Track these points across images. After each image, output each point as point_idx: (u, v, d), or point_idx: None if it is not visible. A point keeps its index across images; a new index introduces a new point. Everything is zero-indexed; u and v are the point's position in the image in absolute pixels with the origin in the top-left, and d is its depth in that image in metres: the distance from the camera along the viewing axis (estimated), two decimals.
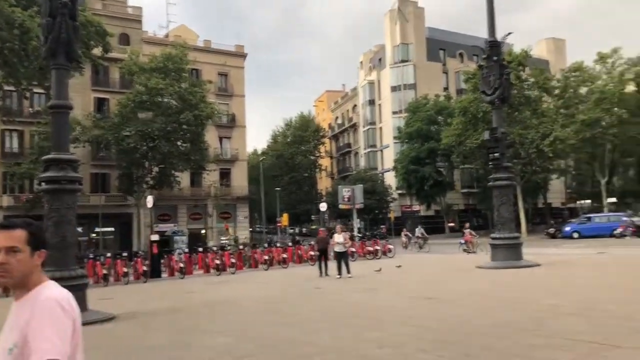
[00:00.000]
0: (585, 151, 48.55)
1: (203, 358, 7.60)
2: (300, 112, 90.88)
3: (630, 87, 49.03)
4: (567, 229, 41.88)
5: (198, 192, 53.00)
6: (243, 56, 59.32)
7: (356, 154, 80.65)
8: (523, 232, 44.39)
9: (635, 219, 39.07)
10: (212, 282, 20.69)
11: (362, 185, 39.01)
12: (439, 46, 70.54)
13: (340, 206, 38.39)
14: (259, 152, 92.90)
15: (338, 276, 18.08)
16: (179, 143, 43.91)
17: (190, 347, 8.41)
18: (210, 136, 50.33)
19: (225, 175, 56.25)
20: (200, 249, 28.10)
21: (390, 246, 29.75)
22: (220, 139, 56.06)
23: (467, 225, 31.52)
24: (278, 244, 30.10)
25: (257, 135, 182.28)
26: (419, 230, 36.77)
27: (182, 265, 24.02)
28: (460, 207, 64.87)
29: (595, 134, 45.33)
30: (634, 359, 6.02)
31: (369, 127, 75.04)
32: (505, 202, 18.54)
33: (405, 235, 39.87)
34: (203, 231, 53.60)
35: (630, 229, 36.10)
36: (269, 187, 67.81)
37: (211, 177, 51.79)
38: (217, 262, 24.47)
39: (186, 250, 29.36)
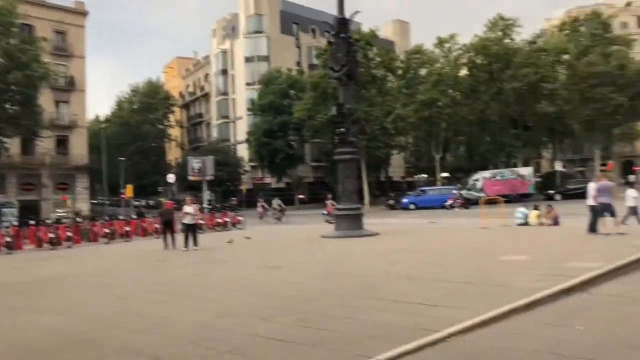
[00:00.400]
0: (423, 129, 52.29)
1: (27, 340, 6.99)
2: (148, 78, 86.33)
3: (464, 71, 53.48)
4: (405, 200, 45.01)
5: (30, 161, 48.38)
6: (84, 14, 54.70)
7: (208, 124, 78.98)
8: (366, 203, 46.94)
9: (463, 192, 43.06)
10: (45, 257, 19.15)
11: (213, 156, 38.38)
12: (293, 20, 71.04)
13: (190, 177, 37.52)
14: (102, 119, 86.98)
15: (184, 249, 17.71)
16: (7, 106, 39.54)
17: (12, 328, 7.71)
18: (45, 99, 45.95)
19: (62, 142, 51.91)
20: (32, 222, 25.77)
21: (240, 218, 29.82)
22: (57, 103, 51.44)
23: (329, 196, 32.56)
24: (121, 217, 28.64)
25: (101, 101, 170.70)
26: (276, 202, 37.10)
27: (8, 239, 21.87)
28: (310, 180, 66.71)
29: (432, 113, 48.91)
30: (450, 316, 6.66)
31: (221, 97, 73.74)
32: (350, 175, 19.34)
33: (262, 206, 39.98)
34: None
35: (459, 201, 39.76)
36: (112, 157, 63.96)
37: (46, 144, 47.54)
38: (51, 235, 22.64)
39: (16, 223, 26.76)
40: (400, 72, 53.14)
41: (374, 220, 26.74)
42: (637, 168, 70.15)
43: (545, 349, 5.61)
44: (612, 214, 14.78)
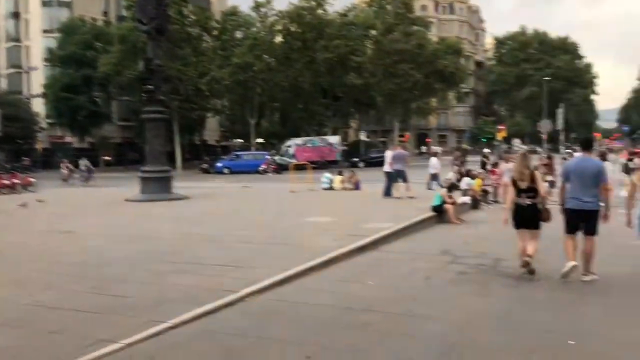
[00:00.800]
0: (239, 93, 51.98)
1: None
2: None
3: (279, 38, 54.05)
4: (219, 165, 44.66)
5: None
6: None
7: None
8: (178, 166, 45.68)
9: (276, 157, 44.01)
10: None
11: (0, 110, 33.88)
12: None
13: None
14: None
15: None
16: None
17: None
18: None
19: None
20: None
21: (32, 179, 27.03)
22: None
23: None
24: None
25: None
26: (83, 163, 34.02)
27: None
28: (118, 141, 62.69)
29: (248, 77, 48.73)
30: (251, 276, 6.72)
31: (12, 43, 65.17)
32: (159, 136, 18.43)
33: (67, 167, 36.28)
34: None
35: (272, 166, 40.56)
36: None
37: None
38: None
39: None
40: (216, 32, 51.92)
41: (186, 183, 26.06)
42: (429, 140, 78.59)
43: (338, 303, 5.94)
44: (405, 180, 16.21)
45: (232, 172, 41.86)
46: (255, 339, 4.90)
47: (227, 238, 9.87)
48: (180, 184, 21.43)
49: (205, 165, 47.41)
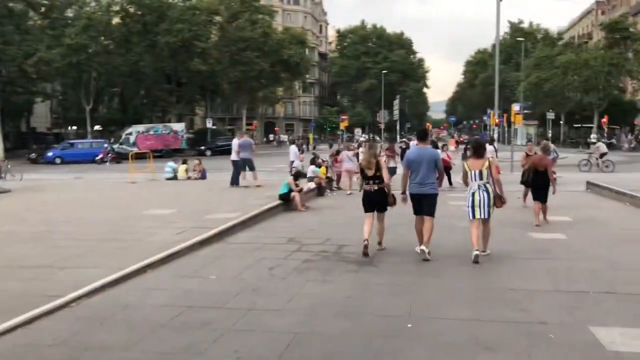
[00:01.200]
0: (72, 76, 47.92)
1: None
2: None
3: (117, 19, 50.66)
4: (50, 154, 40.93)
5: None
6: None
7: None
8: (0, 156, 40.97)
9: (116, 146, 41.34)
10: None
11: None
12: None
13: None
14: None
15: None
16: None
17: None
18: None
19: None
20: None
21: None
22: None
23: None
24: None
25: None
26: None
27: None
28: None
29: (82, 60, 45.02)
30: (80, 277, 6.07)
31: None
32: None
33: None
34: None
35: (111, 155, 38.03)
36: None
37: None
38: None
39: None
40: (43, 9, 47.16)
41: (9, 175, 23.44)
42: (277, 129, 79.27)
43: (176, 302, 5.55)
44: (252, 168, 16.04)
45: (64, 162, 38.67)
46: (78, 349, 4.35)
47: (53, 235, 8.90)
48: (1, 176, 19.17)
49: (33, 155, 43.04)
